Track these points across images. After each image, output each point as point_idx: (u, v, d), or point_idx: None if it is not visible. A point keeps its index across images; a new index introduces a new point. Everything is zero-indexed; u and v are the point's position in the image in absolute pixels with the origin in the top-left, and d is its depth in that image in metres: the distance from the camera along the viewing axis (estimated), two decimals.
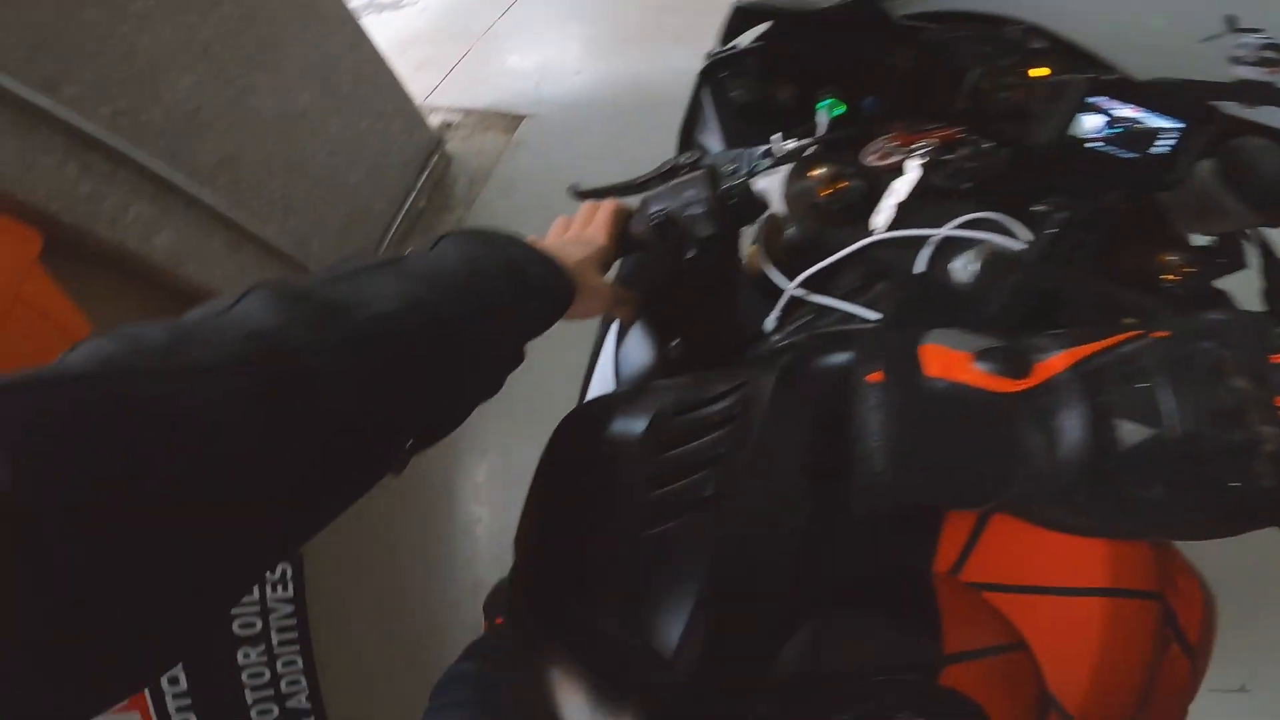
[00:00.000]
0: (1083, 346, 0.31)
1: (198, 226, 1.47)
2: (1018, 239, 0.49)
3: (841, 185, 0.54)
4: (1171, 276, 0.54)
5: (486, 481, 1.77)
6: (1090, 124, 0.51)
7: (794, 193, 0.54)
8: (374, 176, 2.00)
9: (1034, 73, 0.59)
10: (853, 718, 0.33)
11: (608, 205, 0.61)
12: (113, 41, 1.31)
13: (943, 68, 0.62)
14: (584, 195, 0.66)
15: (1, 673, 0.20)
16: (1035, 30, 0.61)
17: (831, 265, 0.55)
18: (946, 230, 0.50)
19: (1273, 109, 0.60)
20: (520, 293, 0.44)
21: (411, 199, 2.09)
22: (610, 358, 0.71)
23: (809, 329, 0.55)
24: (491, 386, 0.43)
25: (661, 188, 0.61)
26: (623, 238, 0.61)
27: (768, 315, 0.59)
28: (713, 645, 0.32)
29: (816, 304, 0.55)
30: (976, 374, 0.31)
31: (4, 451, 0.20)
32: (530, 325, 0.46)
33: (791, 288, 0.56)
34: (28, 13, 1.16)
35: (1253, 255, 0.58)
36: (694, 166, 0.62)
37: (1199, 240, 0.58)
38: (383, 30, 3.44)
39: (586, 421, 0.46)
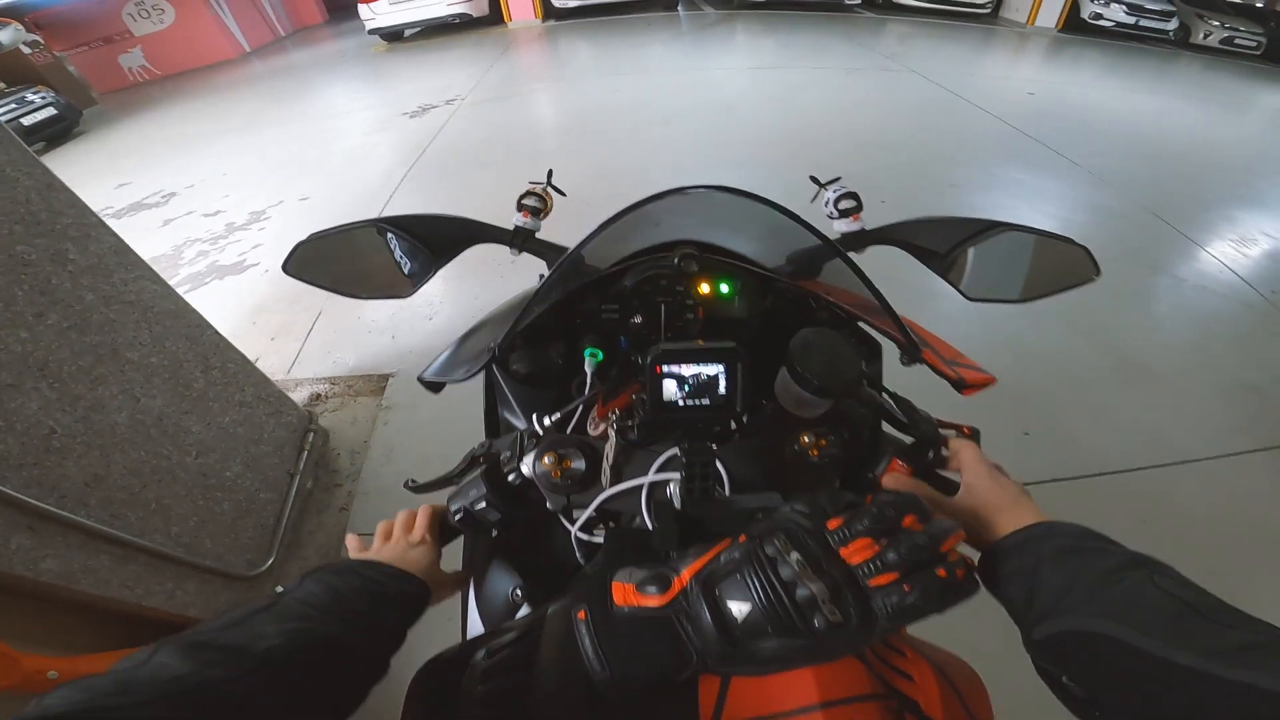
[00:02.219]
0: (698, 560, 0.44)
1: (80, 548, 1.32)
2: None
3: (566, 465, 0.65)
4: (814, 452, 0.66)
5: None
6: (670, 390, 0.62)
7: (538, 476, 0.66)
8: (252, 467, 1.81)
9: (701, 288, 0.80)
10: None
11: (424, 511, 0.73)
12: None
13: (635, 302, 0.80)
14: (418, 489, 0.75)
15: None
16: (691, 254, 0.77)
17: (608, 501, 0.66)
18: (613, 490, 0.64)
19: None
20: (380, 602, 0.56)
21: (297, 483, 1.89)
22: (474, 608, 0.83)
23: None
24: (378, 671, 0.53)
25: (458, 486, 0.72)
26: (444, 530, 0.73)
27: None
28: None
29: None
30: (641, 597, 0.44)
31: None
32: (399, 621, 0.58)
33: (573, 531, 0.69)
34: None
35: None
36: (487, 456, 0.73)
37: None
38: (231, 297, 3.28)
39: (437, 666, 0.54)
